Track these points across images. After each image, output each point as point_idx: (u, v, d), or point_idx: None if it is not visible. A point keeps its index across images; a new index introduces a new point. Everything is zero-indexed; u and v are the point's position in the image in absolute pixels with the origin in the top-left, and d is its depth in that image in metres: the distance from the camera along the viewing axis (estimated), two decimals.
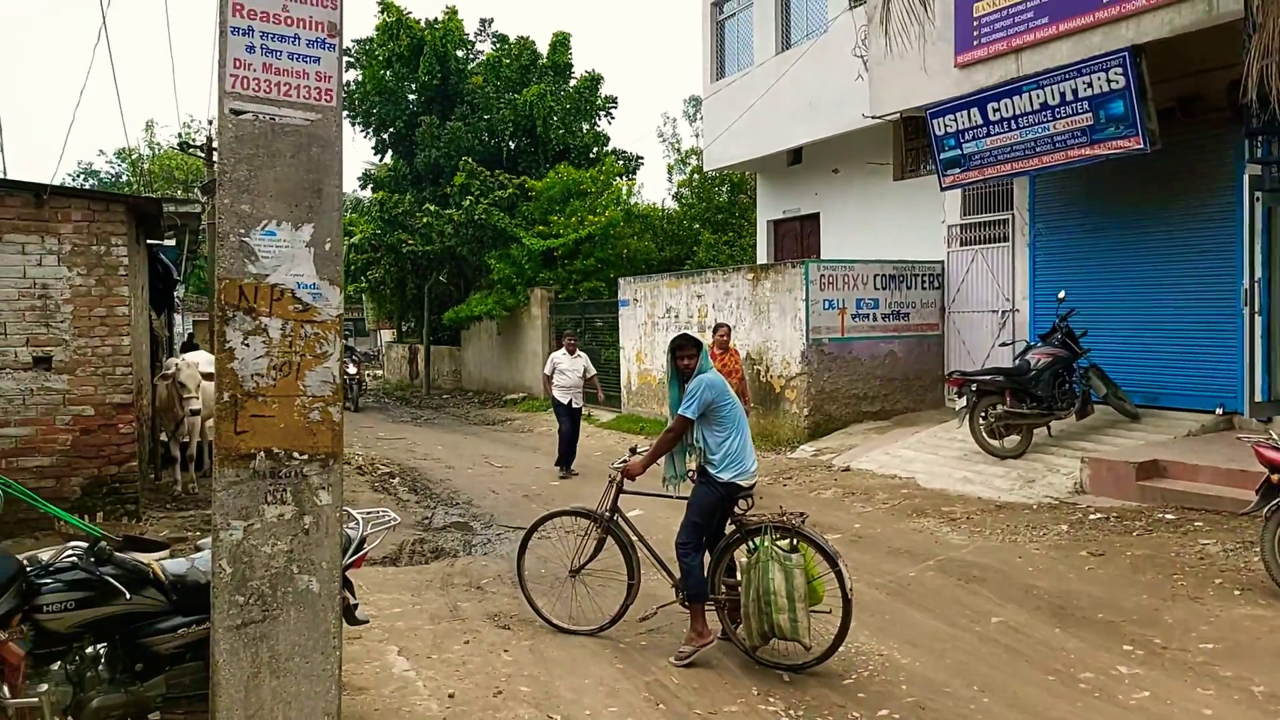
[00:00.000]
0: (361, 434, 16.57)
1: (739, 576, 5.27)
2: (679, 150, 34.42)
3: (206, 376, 9.45)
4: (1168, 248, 10.39)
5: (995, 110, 10.49)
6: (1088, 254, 11.25)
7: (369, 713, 4.52)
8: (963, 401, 10.21)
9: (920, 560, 7.19)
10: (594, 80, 26.33)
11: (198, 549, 3.93)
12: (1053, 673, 5.01)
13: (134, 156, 39.60)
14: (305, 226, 3.52)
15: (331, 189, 3.58)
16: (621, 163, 26.04)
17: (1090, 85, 9.43)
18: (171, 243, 15.18)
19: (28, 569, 3.32)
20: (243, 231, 3.43)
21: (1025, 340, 11.05)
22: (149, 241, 11.68)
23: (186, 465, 10.19)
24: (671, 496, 5.68)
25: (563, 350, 12.25)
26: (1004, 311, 12.36)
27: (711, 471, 5.30)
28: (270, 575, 3.43)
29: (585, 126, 26.42)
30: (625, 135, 75.75)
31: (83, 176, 40.66)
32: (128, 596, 3.39)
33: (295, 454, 3.48)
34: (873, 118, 12.62)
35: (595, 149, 26.39)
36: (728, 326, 10.88)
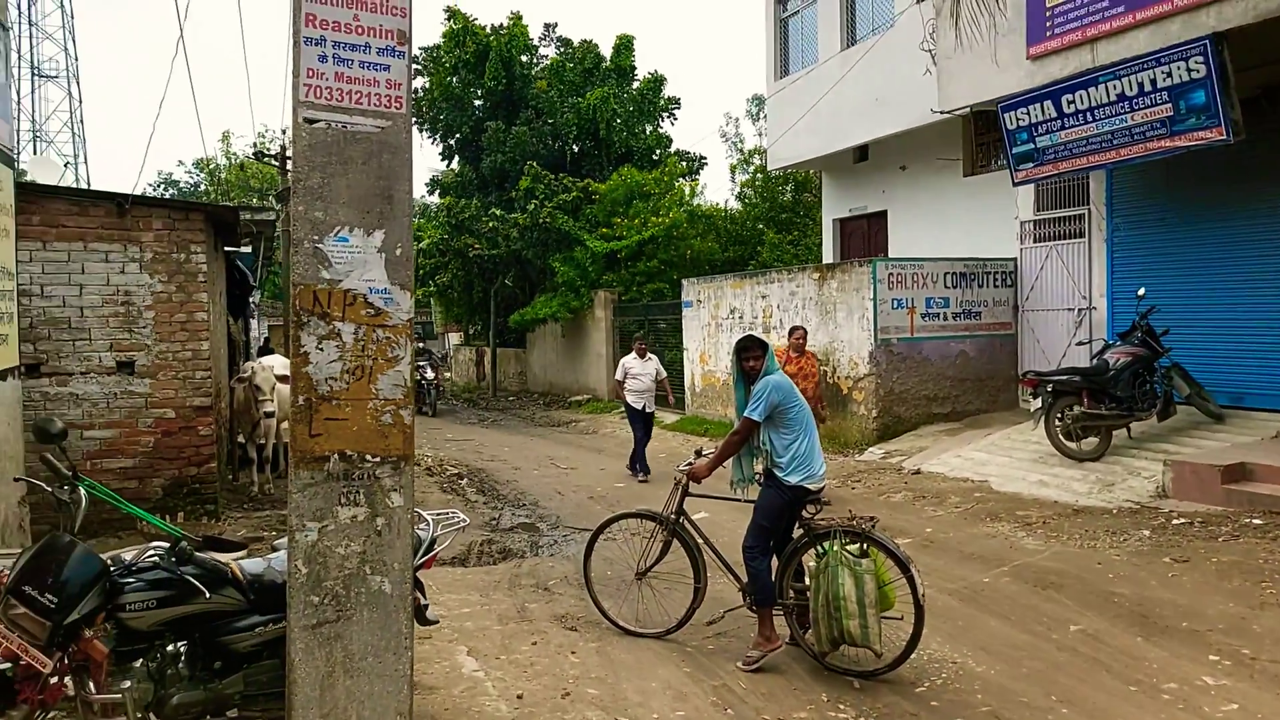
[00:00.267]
0: (430, 435, 16.81)
1: (807, 581, 5.20)
2: (742, 150, 34.24)
3: (281, 379, 9.68)
4: (1253, 242, 10.00)
5: (1070, 102, 10.21)
6: (1168, 249, 10.89)
7: (439, 712, 4.57)
8: (1038, 402, 9.95)
9: (994, 566, 7.02)
10: (657, 82, 26.35)
11: (274, 549, 4.00)
12: (1135, 683, 4.84)
13: (211, 166, 40.81)
14: (377, 232, 3.57)
15: (402, 195, 3.62)
16: (684, 164, 26.00)
17: (1170, 75, 9.12)
18: (248, 249, 15.60)
19: (111, 569, 3.41)
20: (316, 238, 3.49)
21: (1103, 339, 10.73)
22: (226, 248, 12.02)
23: (263, 466, 10.44)
24: (738, 500, 5.63)
25: (633, 354, 12.13)
26: (1080, 309, 12.03)
27: (779, 475, 5.24)
28: (344, 576, 3.48)
29: (648, 128, 26.46)
30: (688, 136, 75.67)
31: (163, 186, 42.04)
32: (207, 596, 3.47)
33: (368, 456, 3.53)
34: (941, 113, 12.38)
35: (658, 150, 26.41)
36: (804, 329, 10.46)
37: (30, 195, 7.86)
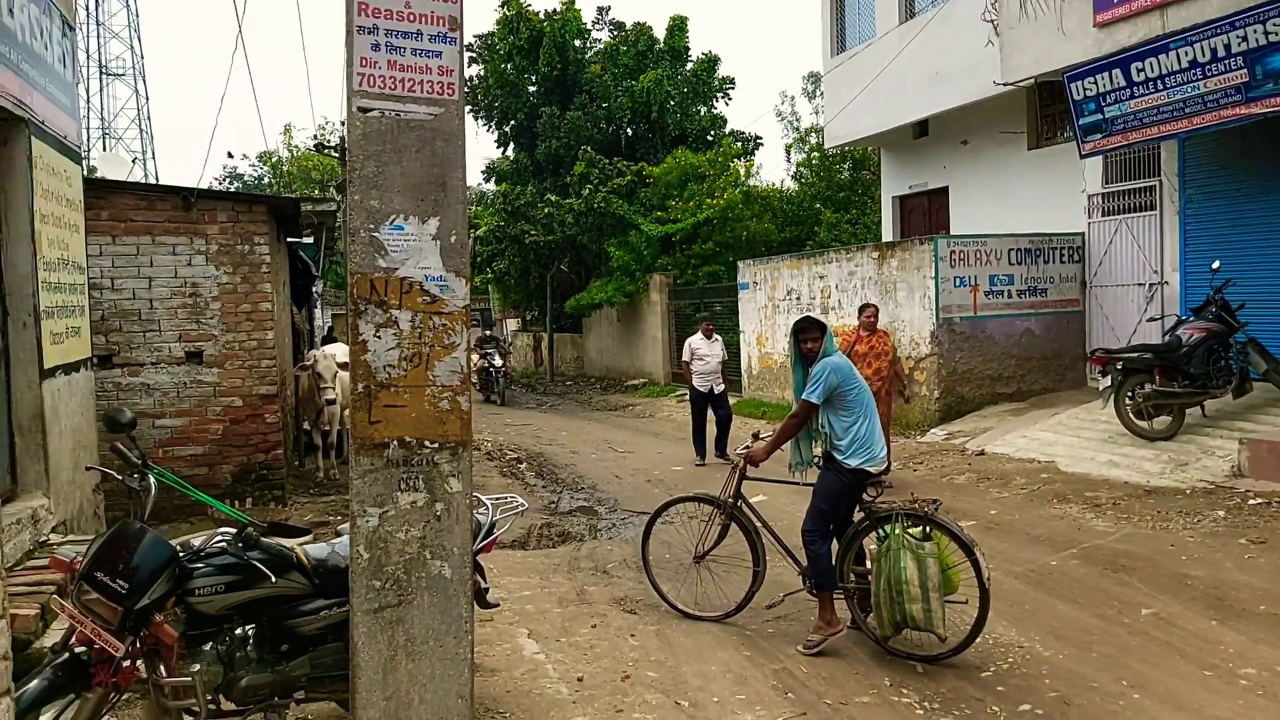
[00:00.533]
0: (490, 420, 16.98)
1: (869, 564, 5.14)
2: (798, 129, 33.84)
3: (342, 367, 9.84)
4: None
5: (1139, 70, 9.87)
6: (1245, 221, 10.48)
7: (501, 695, 4.61)
8: (1107, 381, 9.66)
9: (1062, 548, 6.86)
10: (711, 62, 26.13)
11: (338, 534, 4.06)
12: (1210, 668, 4.70)
13: (274, 160, 41.58)
14: (431, 220, 3.58)
15: (455, 182, 3.63)
16: (739, 144, 25.77)
17: (1245, 39, 8.75)
18: (310, 240, 15.90)
19: (180, 555, 3.49)
20: (372, 226, 3.51)
21: (1175, 314, 10.39)
22: (288, 239, 12.24)
23: (328, 452, 10.63)
24: (797, 483, 5.58)
25: (700, 335, 11.86)
26: (1151, 284, 11.66)
27: (838, 458, 5.17)
28: (405, 561, 3.52)
29: (702, 109, 26.28)
30: (743, 116, 75.02)
31: (229, 180, 42.98)
32: (273, 580, 3.53)
33: (426, 442, 3.56)
34: (1005, 85, 12.08)
35: (712, 132, 26.22)
36: (875, 307, 9.79)
37: (99, 190, 8.08)
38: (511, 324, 33.96)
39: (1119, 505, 7.90)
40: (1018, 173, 13.91)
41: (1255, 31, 8.64)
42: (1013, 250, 12.37)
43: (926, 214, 16.53)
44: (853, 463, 5.12)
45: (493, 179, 28.44)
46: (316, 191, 32.87)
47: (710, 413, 11.67)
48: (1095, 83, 10.44)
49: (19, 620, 4.25)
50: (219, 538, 3.64)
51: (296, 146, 41.18)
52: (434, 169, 3.59)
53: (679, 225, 21.22)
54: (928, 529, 4.91)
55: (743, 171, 23.54)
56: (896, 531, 4.91)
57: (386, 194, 3.52)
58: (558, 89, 25.59)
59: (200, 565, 3.52)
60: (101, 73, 51.24)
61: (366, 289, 3.51)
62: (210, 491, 8.08)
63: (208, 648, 3.51)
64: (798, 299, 14.97)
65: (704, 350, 11.69)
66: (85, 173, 7.24)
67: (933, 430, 11.77)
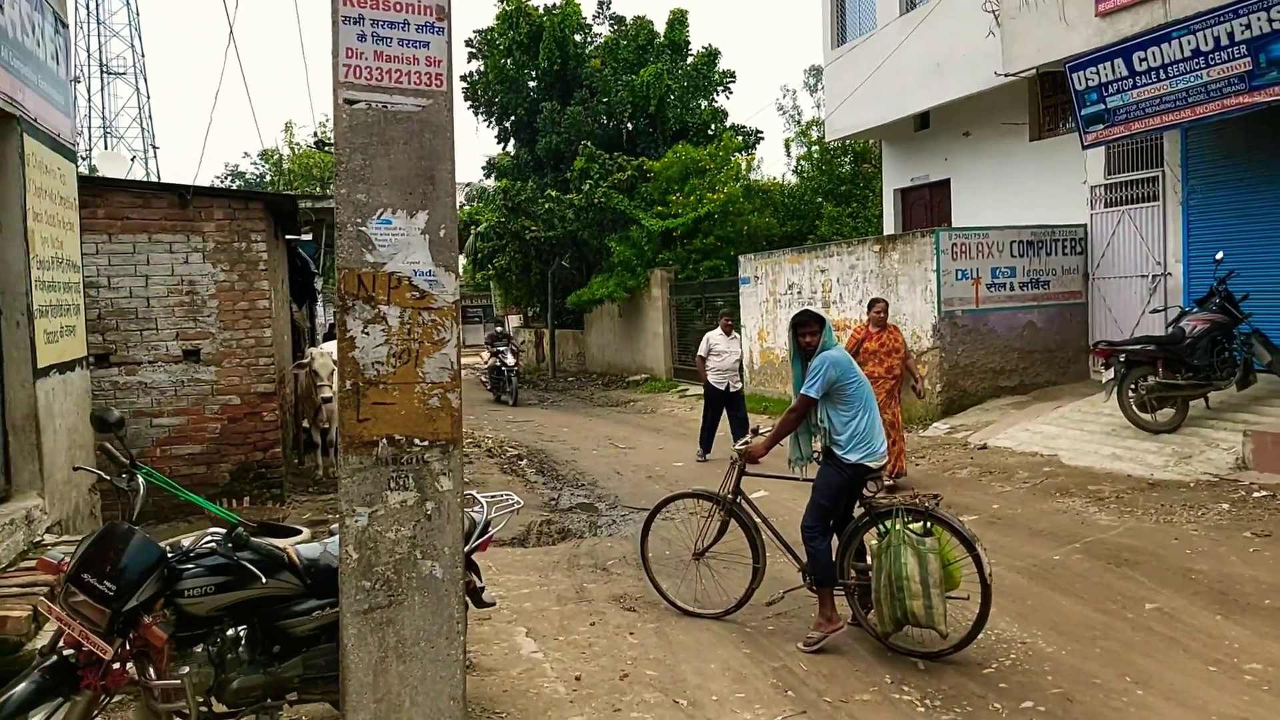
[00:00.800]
0: (491, 417, 16.93)
1: (869, 560, 5.09)
2: (799, 122, 33.72)
3: None
4: None
5: (1141, 60, 9.79)
6: (1248, 211, 10.40)
7: (498, 694, 4.56)
8: (1110, 373, 9.60)
9: (1065, 542, 6.81)
10: (711, 56, 26.03)
11: (330, 533, 4.02)
12: (1215, 663, 4.64)
13: (275, 157, 41.52)
14: (420, 214, 3.52)
15: (444, 175, 3.57)
16: (740, 138, 25.67)
17: (1249, 27, 8.67)
18: (309, 237, 15.84)
19: (169, 555, 3.44)
20: (359, 220, 3.45)
21: (1179, 306, 10.32)
22: (287, 237, 12.20)
23: (327, 450, 10.60)
24: (797, 479, 5.52)
25: (719, 330, 11.52)
26: (1154, 276, 11.58)
27: (838, 453, 5.11)
28: (395, 561, 3.47)
29: (703, 103, 26.18)
30: (744, 110, 74.93)
31: (230, 178, 42.93)
32: (264, 580, 3.48)
33: (416, 440, 3.50)
34: (1006, 75, 12.00)
35: (713, 125, 26.12)
36: (885, 302, 9.46)
37: (95, 189, 8.03)
38: (513, 320, 33.92)
39: (1122, 499, 7.84)
40: (1020, 164, 13.83)
41: (1259, 19, 8.56)
42: (1015, 242, 12.29)
43: (928, 207, 16.45)
44: (852, 458, 5.07)
45: (493, 175, 28.34)
46: (318, 189, 32.83)
47: (725, 414, 11.35)
48: (1097, 72, 10.35)
49: (11, 622, 4.22)
50: (209, 538, 3.60)
51: (298, 144, 41.13)
52: (422, 162, 3.53)
53: (680, 220, 21.14)
54: (929, 524, 4.86)
55: (744, 166, 23.44)
56: (897, 527, 4.86)
57: (374, 187, 3.47)
58: (558, 84, 25.50)
59: (190, 566, 3.47)
60: (102, 71, 51.22)
61: (354, 284, 3.45)
62: (209, 490, 8.06)
63: (199, 649, 3.46)
64: (799, 293, 14.90)
65: (722, 346, 11.39)
66: (86, 171, 7.20)
67: (935, 424, 11.71)
